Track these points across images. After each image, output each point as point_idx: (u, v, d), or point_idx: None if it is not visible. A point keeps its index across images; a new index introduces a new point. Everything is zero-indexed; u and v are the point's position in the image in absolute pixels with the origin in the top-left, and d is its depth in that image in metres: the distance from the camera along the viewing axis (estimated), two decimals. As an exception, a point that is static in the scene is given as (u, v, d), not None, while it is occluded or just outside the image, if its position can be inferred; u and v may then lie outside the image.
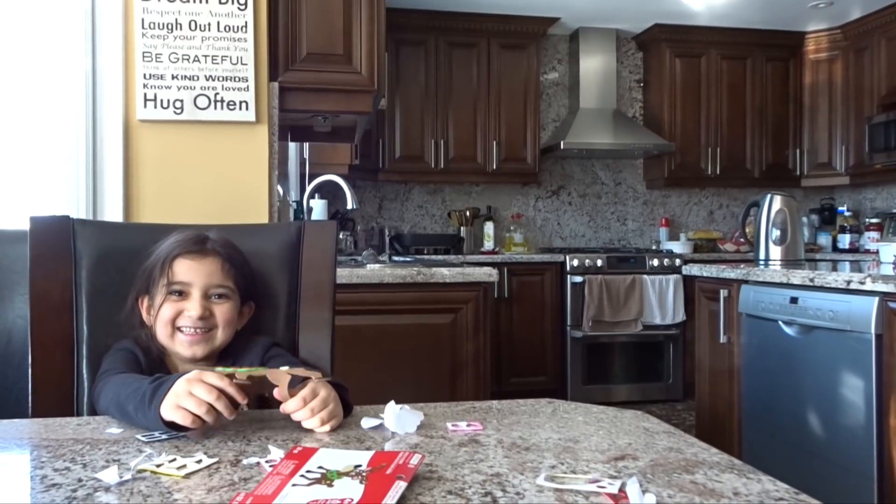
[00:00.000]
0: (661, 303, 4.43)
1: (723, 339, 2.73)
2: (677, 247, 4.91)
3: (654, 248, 5.10)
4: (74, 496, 0.65)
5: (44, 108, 2.17)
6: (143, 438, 0.83)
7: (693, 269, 2.99)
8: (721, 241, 5.12)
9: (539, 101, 4.95)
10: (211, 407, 0.84)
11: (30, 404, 1.20)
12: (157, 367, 1.11)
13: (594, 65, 5.02)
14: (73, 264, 1.23)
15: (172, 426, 0.85)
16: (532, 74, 4.87)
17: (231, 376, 0.88)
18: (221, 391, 0.85)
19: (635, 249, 4.91)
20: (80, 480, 0.69)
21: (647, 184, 5.33)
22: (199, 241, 1.15)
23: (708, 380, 2.91)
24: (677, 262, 4.51)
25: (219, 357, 1.15)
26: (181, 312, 1.11)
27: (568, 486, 0.67)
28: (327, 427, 0.88)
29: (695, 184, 5.25)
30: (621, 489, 0.66)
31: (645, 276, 4.44)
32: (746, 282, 2.61)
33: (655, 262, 4.51)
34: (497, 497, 0.65)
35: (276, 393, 0.89)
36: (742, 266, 2.74)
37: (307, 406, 0.88)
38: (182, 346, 1.11)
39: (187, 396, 0.85)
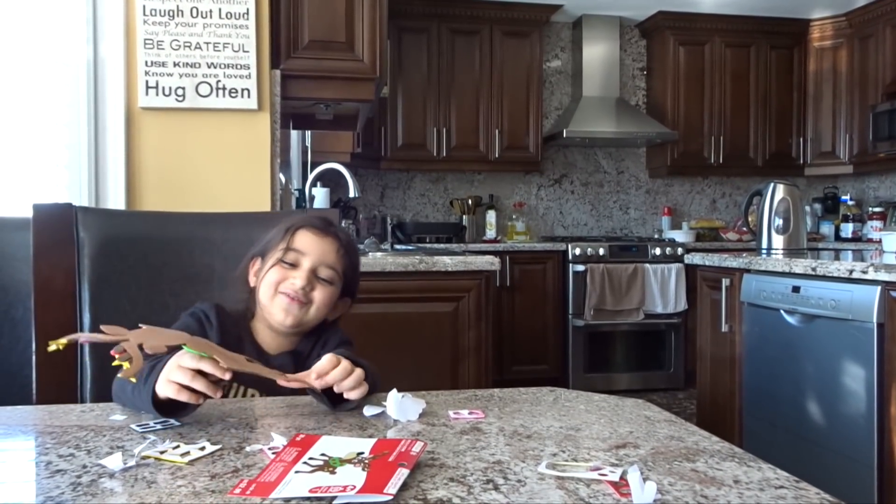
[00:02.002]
0: (663, 292, 4.43)
1: (724, 327, 2.74)
2: (679, 236, 4.91)
3: (656, 236, 5.09)
4: (79, 482, 0.66)
5: (45, 95, 2.17)
6: (138, 429, 0.83)
7: (695, 258, 2.99)
8: (723, 230, 5.11)
9: (542, 89, 4.93)
10: (183, 389, 0.84)
11: (34, 391, 1.20)
12: (234, 332, 1.13)
13: (597, 52, 4.99)
14: (76, 252, 1.23)
15: (163, 410, 0.86)
16: (535, 62, 4.85)
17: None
18: (199, 371, 0.85)
19: (637, 238, 4.91)
20: (84, 467, 0.70)
21: (650, 172, 5.31)
22: (325, 221, 1.19)
23: (709, 368, 2.92)
24: (679, 250, 4.51)
25: (302, 340, 1.16)
26: (286, 279, 1.13)
27: (569, 473, 0.68)
28: (358, 392, 0.89)
29: (697, 172, 5.24)
30: (622, 477, 0.66)
31: (647, 265, 4.43)
32: (748, 271, 2.61)
33: (657, 251, 4.50)
34: (499, 484, 0.65)
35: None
36: (744, 255, 2.73)
37: (340, 367, 0.89)
38: (279, 307, 1.12)
39: (167, 383, 0.85)
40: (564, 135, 4.66)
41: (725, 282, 2.72)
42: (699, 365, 3.01)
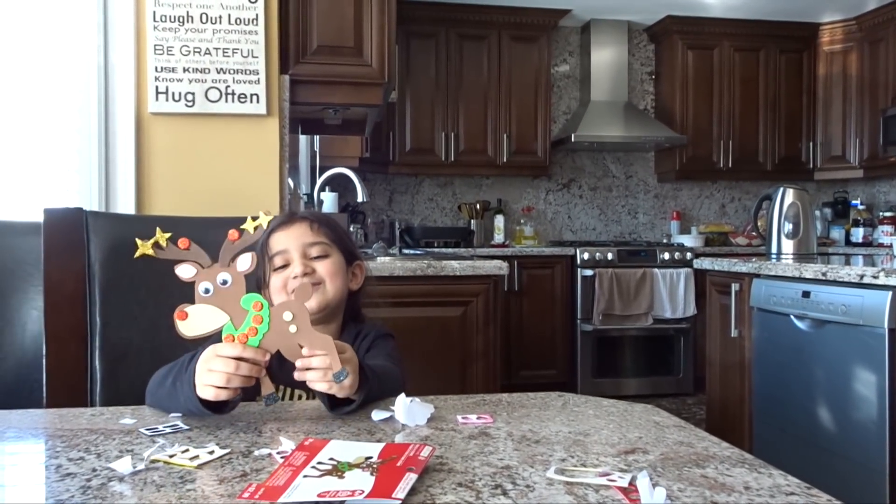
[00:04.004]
0: (672, 296, 4.41)
1: (734, 333, 2.72)
2: (688, 240, 4.89)
3: (665, 241, 5.08)
4: (89, 485, 0.66)
5: (57, 101, 2.18)
6: (147, 432, 0.83)
7: (704, 263, 2.97)
8: (733, 235, 5.09)
9: (550, 94, 4.93)
10: (233, 375, 0.86)
11: (44, 395, 1.21)
12: None
13: (605, 57, 4.99)
14: (86, 256, 1.24)
15: (209, 406, 0.88)
16: (543, 67, 4.85)
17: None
18: (239, 358, 0.87)
19: (646, 243, 4.90)
20: (94, 470, 0.70)
21: (659, 177, 5.30)
22: (287, 215, 1.23)
23: (719, 374, 2.90)
24: (688, 255, 4.49)
25: (342, 336, 1.16)
26: (287, 278, 1.15)
27: (578, 479, 0.67)
28: (326, 385, 0.88)
29: (706, 177, 5.22)
30: (631, 483, 0.66)
31: (656, 270, 4.42)
32: (758, 276, 2.59)
33: (666, 256, 4.49)
34: (507, 489, 0.65)
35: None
36: (754, 260, 2.72)
37: (325, 358, 0.88)
38: None
39: (209, 373, 0.87)
40: (573, 139, 4.66)
41: (735, 287, 2.70)
42: (708, 370, 2.99)
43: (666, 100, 5.11)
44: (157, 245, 0.86)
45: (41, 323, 1.26)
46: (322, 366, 0.88)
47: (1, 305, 1.23)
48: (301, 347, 0.89)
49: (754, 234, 4.88)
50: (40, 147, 2.18)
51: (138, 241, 0.85)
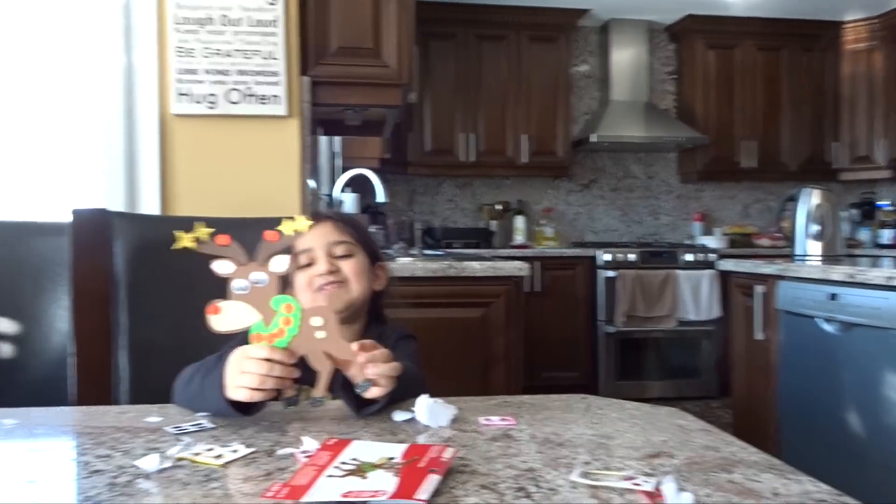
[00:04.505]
0: (696, 298, 4.37)
1: (759, 335, 2.69)
2: (712, 241, 4.84)
3: (687, 242, 5.03)
4: (115, 482, 0.67)
5: (82, 103, 2.21)
6: (173, 430, 0.84)
7: (728, 265, 2.94)
8: (756, 236, 5.03)
9: (570, 94, 4.91)
10: (267, 376, 0.86)
11: (73, 393, 1.22)
12: None
13: (625, 57, 4.96)
14: (113, 256, 1.25)
15: (238, 407, 0.88)
16: (562, 67, 4.83)
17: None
18: (269, 359, 0.87)
19: (669, 244, 4.85)
20: (120, 467, 0.71)
21: (681, 177, 5.25)
22: (312, 214, 1.26)
23: (744, 377, 2.87)
24: (712, 256, 4.44)
25: (363, 337, 1.17)
26: (312, 276, 1.16)
27: (602, 482, 0.67)
28: (382, 390, 0.88)
29: (729, 177, 5.16)
30: (657, 487, 0.65)
31: (679, 271, 4.38)
32: (783, 277, 2.56)
33: (689, 257, 4.45)
34: (531, 492, 0.64)
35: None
36: (779, 261, 2.69)
37: (372, 353, 0.88)
38: (321, 301, 1.14)
39: (241, 375, 0.87)
40: (593, 139, 4.63)
41: (759, 289, 2.67)
42: (734, 373, 2.96)
43: (687, 99, 5.07)
44: (197, 239, 0.86)
45: (69, 322, 1.28)
46: (378, 363, 0.88)
47: (30, 305, 1.25)
48: (325, 354, 0.89)
49: (778, 235, 4.82)
50: (67, 149, 2.21)
51: (179, 234, 0.85)
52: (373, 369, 0.88)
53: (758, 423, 2.74)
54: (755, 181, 5.26)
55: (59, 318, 1.37)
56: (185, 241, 0.86)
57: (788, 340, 2.55)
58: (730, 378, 3.03)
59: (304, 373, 0.96)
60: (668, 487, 0.64)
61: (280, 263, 0.88)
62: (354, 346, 0.89)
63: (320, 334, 0.88)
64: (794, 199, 3.05)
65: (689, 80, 5.05)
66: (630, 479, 0.67)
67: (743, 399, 2.88)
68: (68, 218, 1.32)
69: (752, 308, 2.72)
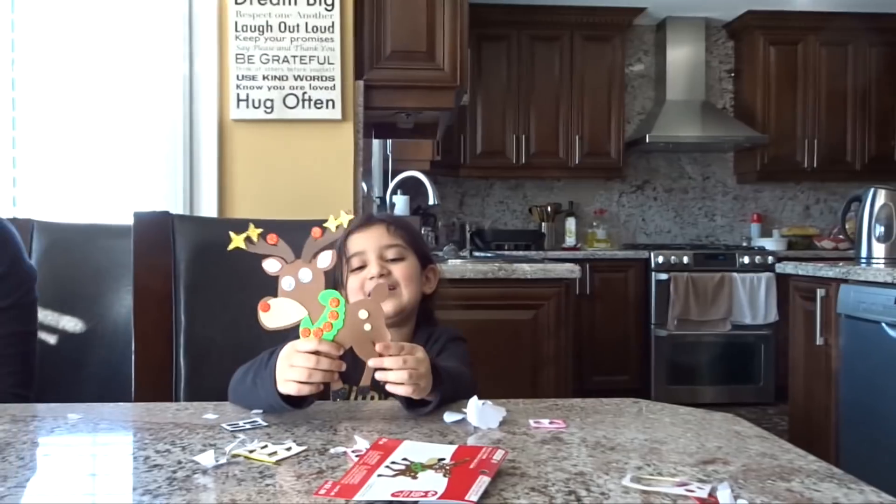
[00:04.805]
0: (752, 302, 4.26)
1: (819, 340, 2.60)
2: (770, 244, 4.70)
3: (744, 244, 4.90)
4: (175, 477, 0.69)
5: (146, 109, 2.29)
6: (229, 428, 0.86)
7: (787, 268, 2.86)
8: (818, 238, 4.86)
9: (623, 94, 4.84)
10: (315, 370, 0.89)
11: (133, 389, 1.27)
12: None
13: (682, 55, 4.86)
14: (173, 257, 1.29)
15: (289, 401, 0.91)
16: (616, 66, 4.77)
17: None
18: (317, 352, 0.89)
19: (724, 246, 4.74)
20: (179, 462, 0.73)
21: (738, 178, 5.12)
22: (365, 217, 1.26)
23: (803, 383, 2.78)
24: (770, 259, 4.32)
25: (413, 339, 1.19)
26: (364, 279, 1.18)
27: (655, 488, 0.66)
28: (407, 389, 0.88)
29: (790, 177, 5.01)
30: (711, 494, 0.64)
31: (735, 274, 4.27)
32: (846, 281, 2.47)
33: (746, 260, 4.33)
34: (581, 496, 0.64)
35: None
36: (841, 264, 2.59)
37: (401, 356, 0.89)
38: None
39: (290, 369, 0.89)
40: (647, 140, 4.56)
41: (820, 292, 2.58)
42: (791, 379, 2.87)
43: (746, 98, 4.94)
44: (248, 239, 0.90)
45: (130, 320, 1.33)
46: (395, 366, 0.89)
47: (96, 303, 1.30)
48: (373, 345, 0.90)
49: (841, 237, 4.64)
50: (131, 153, 2.29)
51: (232, 235, 0.89)
52: (380, 375, 0.90)
53: (816, 431, 2.65)
54: (817, 181, 5.09)
55: (122, 317, 1.43)
56: (238, 241, 0.89)
57: (850, 346, 2.46)
58: (787, 384, 2.94)
59: (353, 371, 0.97)
60: (723, 494, 0.62)
61: (325, 259, 0.90)
62: (378, 347, 0.90)
63: (367, 326, 0.90)
64: (858, 200, 2.94)
65: (748, 77, 4.92)
66: (683, 485, 0.66)
67: (801, 406, 2.79)
68: (131, 220, 1.37)
69: (812, 312, 2.63)
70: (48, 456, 0.75)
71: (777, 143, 4.77)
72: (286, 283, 0.90)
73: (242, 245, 0.90)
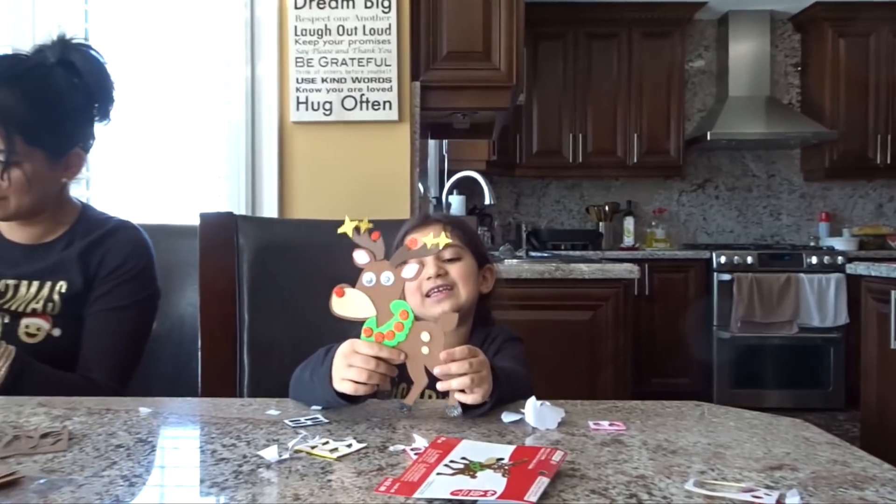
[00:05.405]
0: (821, 304, 4.10)
1: (894, 344, 2.49)
2: (840, 243, 4.53)
3: (812, 244, 4.73)
4: (240, 470, 0.71)
5: (210, 113, 2.36)
6: (291, 423, 0.88)
7: (859, 268, 2.75)
8: (891, 238, 4.65)
9: (684, 91, 4.74)
10: (373, 372, 0.90)
11: (199, 384, 1.31)
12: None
13: (745, 49, 4.73)
14: (236, 257, 1.33)
15: (344, 397, 0.92)
16: (676, 63, 4.67)
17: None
18: (376, 357, 0.90)
19: (791, 246, 4.58)
20: (244, 457, 0.75)
21: (805, 175, 4.95)
22: (422, 217, 1.27)
23: (876, 389, 2.67)
24: (840, 259, 4.16)
25: (471, 339, 1.20)
26: (422, 281, 1.19)
27: (719, 493, 0.64)
28: (472, 397, 0.89)
29: (861, 175, 4.81)
30: (779, 501, 0.62)
31: (802, 275, 4.13)
32: (923, 282, 2.36)
33: (814, 260, 4.18)
34: (643, 499, 0.63)
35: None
36: (918, 265, 2.48)
37: (467, 360, 0.89)
38: (431, 306, 1.17)
39: (348, 368, 0.91)
40: (709, 137, 4.45)
41: (895, 294, 2.47)
42: (863, 384, 2.76)
43: (814, 93, 4.77)
44: (356, 229, 0.92)
45: (196, 318, 1.37)
46: (460, 371, 0.89)
47: (163, 302, 1.34)
48: (425, 369, 0.91)
49: (917, 236, 4.44)
50: (196, 156, 2.37)
51: (347, 219, 0.92)
52: (443, 384, 0.90)
53: (891, 438, 2.54)
54: (891, 178, 4.87)
55: (189, 314, 1.47)
56: (348, 227, 0.92)
57: (929, 351, 2.35)
58: (858, 389, 2.82)
59: (402, 371, 0.98)
60: (793, 501, 0.60)
61: (410, 270, 0.92)
62: (443, 354, 0.90)
63: (425, 350, 0.91)
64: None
65: (815, 71, 4.75)
66: (749, 490, 0.65)
67: (874, 412, 2.68)
68: (197, 221, 1.42)
69: (887, 315, 2.52)
70: (121, 448, 0.78)
71: (847, 138, 4.59)
72: (367, 278, 0.92)
73: (350, 232, 0.92)
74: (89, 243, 1.26)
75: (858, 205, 4.98)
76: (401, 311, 0.91)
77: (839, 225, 4.89)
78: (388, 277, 0.91)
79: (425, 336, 0.91)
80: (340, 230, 0.92)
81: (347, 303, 0.92)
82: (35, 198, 1.21)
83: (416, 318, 0.92)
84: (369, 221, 0.92)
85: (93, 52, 1.28)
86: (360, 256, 0.92)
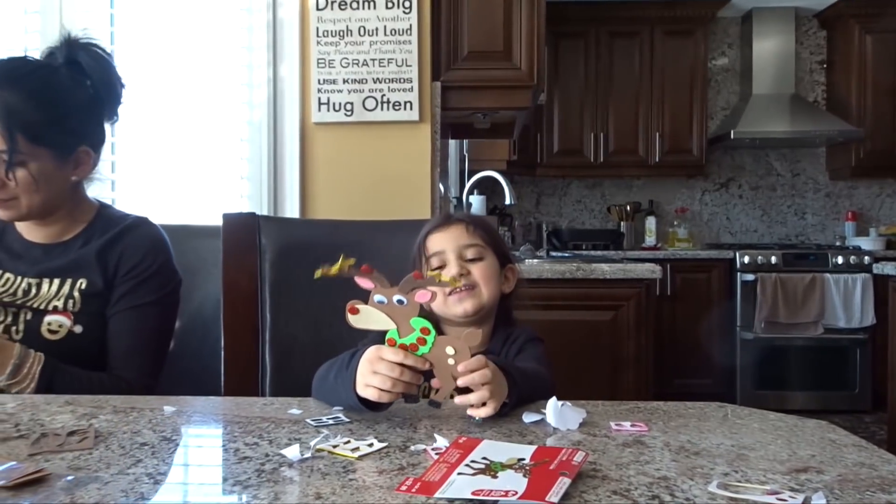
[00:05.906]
0: (847, 304, 4.04)
1: (922, 346, 2.45)
2: (866, 243, 4.46)
3: (838, 244, 4.66)
4: (263, 469, 0.71)
5: (232, 114, 2.38)
6: (313, 423, 0.89)
7: (887, 268, 2.70)
8: (920, 237, 4.57)
9: (706, 89, 4.69)
10: (398, 380, 0.89)
11: (222, 383, 1.32)
12: None
13: (769, 47, 4.67)
14: (259, 257, 1.34)
15: (366, 403, 0.92)
16: (699, 61, 4.63)
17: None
18: (402, 364, 0.89)
19: (816, 246, 4.52)
20: (266, 455, 0.76)
21: (830, 174, 4.87)
22: (444, 217, 1.27)
23: (903, 391, 2.62)
24: (867, 259, 4.09)
25: (491, 340, 1.20)
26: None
27: (743, 495, 0.64)
28: (488, 410, 0.88)
29: (888, 173, 4.73)
30: (805, 503, 0.61)
31: (827, 275, 4.07)
32: (953, 283, 2.31)
33: (840, 260, 4.12)
34: (665, 501, 0.62)
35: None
36: (947, 265, 2.43)
37: (480, 371, 0.88)
38: (453, 304, 1.17)
39: (372, 375, 0.90)
40: (732, 136, 4.40)
41: (923, 295, 2.43)
42: (891, 386, 2.71)
43: (840, 90, 4.70)
44: (341, 270, 0.88)
45: (219, 317, 1.38)
46: (479, 380, 0.88)
47: (187, 301, 1.36)
48: (454, 378, 0.90)
49: (947, 236, 4.36)
50: (219, 157, 2.39)
51: (323, 269, 0.88)
52: (461, 399, 0.89)
53: (922, 443, 2.49)
54: (919, 177, 4.79)
55: (211, 314, 1.49)
56: (327, 272, 0.88)
57: (959, 353, 2.30)
58: (885, 390, 2.77)
59: (425, 372, 0.98)
60: (817, 506, 0.60)
61: (423, 296, 0.89)
62: (461, 367, 0.89)
63: (451, 361, 0.90)
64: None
65: (842, 68, 4.67)
66: (774, 493, 0.64)
67: (904, 416, 2.64)
68: (220, 221, 1.43)
69: (916, 316, 2.48)
70: (146, 446, 0.79)
71: (874, 136, 4.51)
72: (377, 298, 0.90)
73: (332, 273, 0.88)
74: (106, 241, 1.27)
75: (886, 204, 4.89)
76: (421, 327, 0.90)
77: (866, 224, 4.81)
78: (400, 299, 0.89)
79: (450, 350, 0.90)
80: (317, 276, 0.87)
81: (363, 318, 0.90)
82: (45, 196, 1.22)
83: (440, 333, 0.91)
84: (346, 258, 0.88)
85: (99, 51, 1.29)
86: (364, 283, 0.90)
